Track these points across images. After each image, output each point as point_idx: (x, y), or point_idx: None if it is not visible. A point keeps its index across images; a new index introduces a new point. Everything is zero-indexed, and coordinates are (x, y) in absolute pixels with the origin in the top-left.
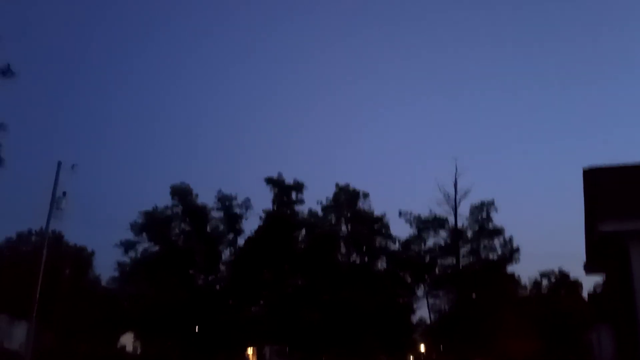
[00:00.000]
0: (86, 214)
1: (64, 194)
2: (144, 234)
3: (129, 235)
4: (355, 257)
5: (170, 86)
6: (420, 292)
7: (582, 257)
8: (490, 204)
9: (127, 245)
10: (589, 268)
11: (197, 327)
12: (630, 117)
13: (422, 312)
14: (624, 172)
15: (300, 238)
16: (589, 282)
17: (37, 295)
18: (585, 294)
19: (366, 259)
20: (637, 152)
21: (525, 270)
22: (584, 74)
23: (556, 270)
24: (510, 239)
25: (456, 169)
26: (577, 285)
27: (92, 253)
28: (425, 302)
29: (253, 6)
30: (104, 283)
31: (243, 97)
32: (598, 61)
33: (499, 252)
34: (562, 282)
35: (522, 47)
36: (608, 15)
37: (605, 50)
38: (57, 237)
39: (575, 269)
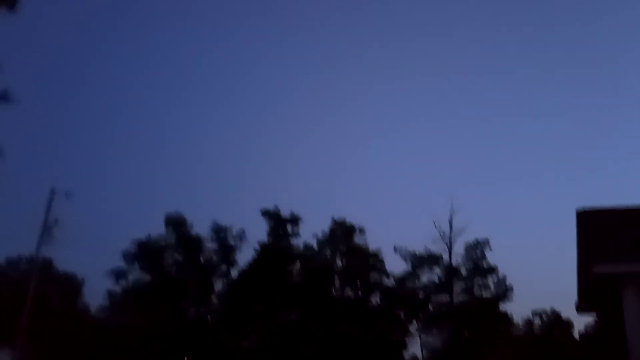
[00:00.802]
0: (77, 241)
1: (56, 220)
2: (136, 263)
3: (120, 264)
4: (349, 292)
5: (167, 113)
6: (413, 328)
7: (573, 296)
8: (485, 242)
9: (118, 274)
10: (581, 307)
11: (187, 359)
12: (626, 159)
13: (414, 349)
14: (617, 214)
15: (294, 271)
16: (581, 321)
17: (25, 322)
18: (576, 334)
19: (360, 294)
20: (631, 194)
21: (518, 309)
22: (581, 112)
23: (548, 309)
24: (504, 278)
25: (452, 206)
26: (569, 325)
27: (82, 281)
28: (418, 339)
29: (247, 32)
30: (93, 311)
31: (240, 128)
32: (597, 99)
33: (493, 290)
34: (555, 322)
35: (518, 83)
36: (604, 51)
37: (604, 88)
38: (47, 264)
39: (567, 307)
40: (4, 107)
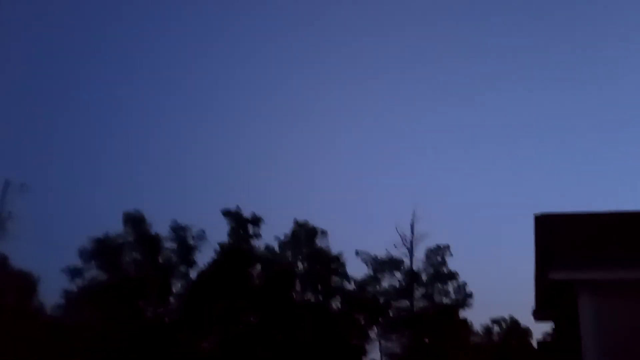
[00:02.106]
0: (33, 237)
1: (10, 214)
2: (93, 261)
3: (77, 262)
4: (310, 296)
5: (128, 110)
6: (373, 334)
7: (532, 304)
8: (446, 248)
9: (74, 272)
10: (538, 315)
11: None
12: (585, 165)
13: (374, 355)
14: (575, 220)
15: (255, 274)
16: (539, 330)
17: None
18: (535, 343)
19: (321, 298)
20: (590, 201)
21: (477, 316)
22: (539, 122)
23: (507, 317)
24: (464, 284)
25: (414, 212)
26: (527, 333)
27: (38, 279)
28: (378, 345)
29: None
30: (49, 310)
31: (202, 126)
32: (555, 110)
33: (453, 296)
34: (513, 330)
35: (478, 96)
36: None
37: (564, 100)
38: (1, 260)
39: (526, 316)
40: None
